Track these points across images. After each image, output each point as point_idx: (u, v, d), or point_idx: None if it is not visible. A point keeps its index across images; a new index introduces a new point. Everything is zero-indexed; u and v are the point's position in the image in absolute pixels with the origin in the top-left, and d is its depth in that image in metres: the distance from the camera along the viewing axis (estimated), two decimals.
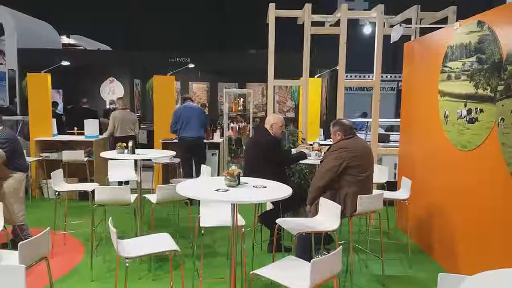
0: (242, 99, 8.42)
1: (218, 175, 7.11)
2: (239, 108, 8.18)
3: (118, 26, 17.97)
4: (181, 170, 6.50)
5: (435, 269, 4.17)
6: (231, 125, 8.14)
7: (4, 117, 4.68)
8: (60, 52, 11.17)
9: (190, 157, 6.56)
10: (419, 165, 4.92)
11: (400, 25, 4.60)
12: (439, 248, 4.38)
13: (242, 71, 10.80)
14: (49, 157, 6.77)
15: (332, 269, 2.55)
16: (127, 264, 2.85)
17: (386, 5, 5.51)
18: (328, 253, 3.95)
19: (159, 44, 15.13)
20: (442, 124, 4.26)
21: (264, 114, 10.81)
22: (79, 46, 13.91)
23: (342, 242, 3.84)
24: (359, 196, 3.72)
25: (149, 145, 8.06)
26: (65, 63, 7.63)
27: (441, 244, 4.32)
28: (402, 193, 4.66)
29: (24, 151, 4.78)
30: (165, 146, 6.89)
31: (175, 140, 6.78)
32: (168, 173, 6.93)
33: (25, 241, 2.52)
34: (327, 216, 3.53)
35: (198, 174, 6.30)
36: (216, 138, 7.51)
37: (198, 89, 11.96)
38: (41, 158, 6.75)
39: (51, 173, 4.70)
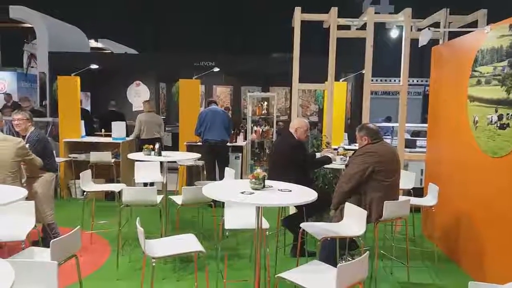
0: (266, 103, 8.44)
1: (241, 178, 7.14)
2: (263, 111, 8.20)
3: (145, 30, 18.31)
4: (204, 172, 6.57)
5: (462, 278, 4.07)
6: (255, 128, 8.17)
7: (34, 119, 4.83)
8: (88, 55, 11.44)
9: (214, 159, 6.63)
10: (447, 171, 4.82)
11: (429, 29, 4.53)
12: (467, 256, 4.28)
13: (265, 75, 10.83)
14: (77, 158, 6.94)
15: (358, 274, 2.52)
16: (153, 264, 2.90)
17: (413, 9, 5.44)
18: (353, 259, 3.92)
19: (184, 48, 15.34)
20: (471, 129, 4.17)
21: (287, 117, 10.80)
22: (106, 50, 14.23)
23: (367, 248, 3.79)
24: (385, 202, 3.67)
25: (174, 147, 8.15)
26: (93, 66, 7.81)
27: (469, 253, 4.22)
28: (429, 200, 4.58)
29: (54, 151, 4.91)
30: (190, 148, 6.96)
31: (199, 143, 6.86)
32: (192, 175, 7.00)
33: (57, 238, 2.60)
34: (352, 221, 3.50)
35: (221, 176, 6.36)
36: (240, 141, 7.55)
37: (222, 93, 12.04)
38: (69, 158, 6.93)
39: (80, 174, 4.83)
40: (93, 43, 13.27)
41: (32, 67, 13.07)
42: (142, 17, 18.34)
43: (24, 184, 4.24)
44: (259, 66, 10.48)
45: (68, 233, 2.70)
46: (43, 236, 4.34)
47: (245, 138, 7.90)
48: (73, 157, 6.95)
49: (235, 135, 7.42)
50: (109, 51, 14.22)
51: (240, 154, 7.40)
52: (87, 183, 4.89)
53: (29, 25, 10.76)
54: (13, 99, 10.52)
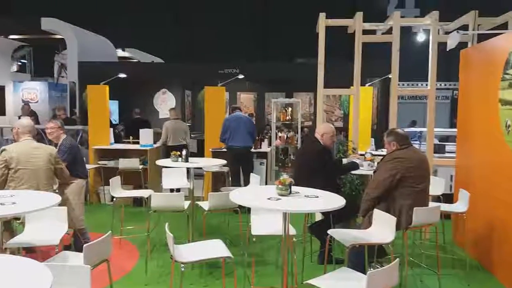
0: (290, 109, 8.44)
1: (266, 184, 7.15)
2: (287, 117, 8.20)
3: (171, 39, 18.65)
4: (229, 178, 6.61)
5: (495, 287, 3.95)
6: (279, 134, 8.18)
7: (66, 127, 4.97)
8: (116, 65, 11.73)
9: (238, 166, 6.66)
10: (478, 176, 4.69)
11: (457, 32, 4.46)
12: (501, 265, 4.14)
13: (289, 81, 10.85)
14: (106, 164, 7.10)
15: (388, 282, 2.48)
16: (182, 269, 2.93)
17: (440, 11, 5.36)
18: (381, 266, 3.85)
19: (209, 56, 15.54)
20: (503, 134, 4.05)
21: (311, 123, 10.77)
22: (133, 59, 14.55)
23: (396, 255, 3.72)
24: (414, 208, 3.61)
25: (199, 154, 8.25)
26: (122, 75, 8.00)
27: (504, 261, 4.08)
28: (459, 206, 4.47)
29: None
30: (215, 155, 7.02)
31: (224, 149, 6.91)
32: (217, 181, 7.04)
33: (89, 243, 2.66)
34: (381, 228, 3.45)
35: (245, 182, 6.38)
36: (264, 147, 7.56)
37: (246, 99, 12.12)
38: (98, 165, 7.09)
39: (110, 180, 4.93)
40: (120, 53, 13.59)
41: (62, 76, 13.48)
42: (167, 26, 18.69)
43: (56, 191, 4.36)
44: (283, 72, 10.51)
45: (100, 238, 2.76)
46: (73, 241, 4.45)
47: (269, 144, 7.91)
48: (102, 164, 7.11)
49: (260, 141, 7.44)
50: (136, 60, 14.53)
51: (264, 160, 7.41)
52: (117, 189, 4.99)
53: (60, 36, 11.12)
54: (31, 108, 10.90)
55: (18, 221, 3.88)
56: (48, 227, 3.51)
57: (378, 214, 3.54)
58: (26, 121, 4.31)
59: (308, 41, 7.95)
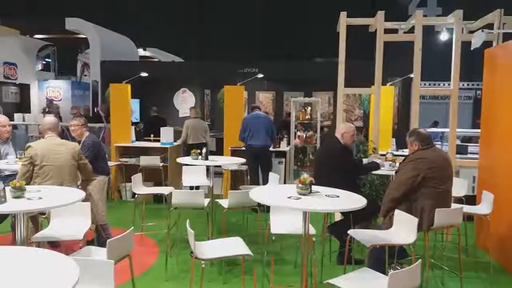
0: (309, 108, 8.41)
1: (284, 183, 7.14)
2: (307, 117, 8.18)
3: (191, 39, 18.80)
4: (248, 177, 6.64)
5: None
6: (298, 133, 8.16)
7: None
8: (137, 64, 11.89)
9: (257, 164, 6.67)
10: (502, 178, 4.59)
11: (482, 31, 4.37)
12: None
13: (308, 80, 10.79)
14: (127, 162, 7.22)
15: (410, 283, 2.46)
16: (203, 266, 2.96)
17: (463, 10, 5.26)
18: (402, 267, 3.81)
19: (228, 55, 15.59)
20: None
21: (330, 123, 10.70)
22: (154, 58, 14.72)
23: (417, 257, 3.68)
24: (437, 209, 3.56)
25: (218, 152, 8.30)
26: (143, 74, 8.11)
27: None
28: (483, 208, 4.38)
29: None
30: (234, 153, 7.06)
31: (243, 148, 6.93)
32: (236, 180, 7.08)
33: (113, 238, 2.71)
34: (402, 229, 3.41)
35: (264, 181, 6.40)
36: (283, 146, 7.55)
37: (264, 98, 12.12)
38: (120, 162, 7.21)
39: (132, 177, 5.02)
40: (141, 52, 13.77)
41: (85, 75, 13.75)
42: (188, 26, 18.85)
43: (79, 187, 4.46)
44: (302, 71, 10.48)
45: (122, 234, 2.81)
46: (96, 236, 4.54)
47: (288, 144, 7.90)
48: (124, 161, 7.23)
49: (279, 140, 7.43)
50: (157, 60, 14.70)
51: (283, 159, 7.40)
52: (138, 186, 5.07)
53: (83, 36, 11.34)
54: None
55: (43, 216, 3.99)
56: (72, 222, 3.59)
57: (399, 215, 3.50)
58: (50, 118, 4.42)
59: (328, 40, 7.90)
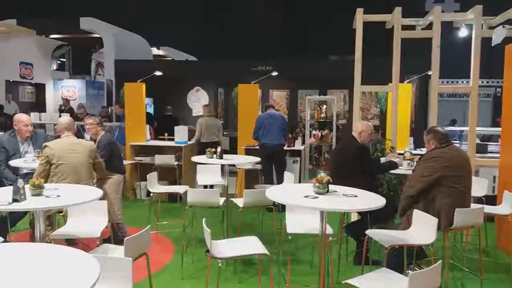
0: (324, 106, 8.34)
1: (299, 182, 7.10)
2: (322, 115, 8.11)
3: (204, 37, 18.84)
4: (262, 176, 6.61)
5: None
6: (313, 132, 8.09)
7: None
8: (151, 63, 11.95)
9: (271, 163, 6.64)
10: None
11: (503, 27, 4.27)
12: None
13: (323, 78, 10.71)
14: (142, 160, 7.25)
15: (430, 284, 2.41)
16: (219, 264, 2.95)
17: (483, 6, 5.14)
18: (420, 268, 3.74)
19: (242, 53, 15.59)
20: None
21: (345, 121, 10.60)
22: (168, 57, 14.78)
23: (436, 257, 3.62)
24: (456, 209, 3.49)
25: (231, 151, 8.29)
26: (158, 73, 8.13)
27: None
28: (504, 208, 4.29)
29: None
30: (248, 152, 7.03)
31: (256, 147, 6.91)
32: (250, 179, 7.05)
33: (130, 236, 2.71)
34: (421, 229, 3.35)
35: (278, 180, 6.36)
36: (298, 145, 7.50)
37: (278, 97, 12.08)
38: (135, 161, 7.25)
39: (147, 175, 5.03)
40: (155, 51, 13.83)
41: (99, 74, 13.87)
42: (201, 24, 18.89)
43: (95, 185, 4.48)
44: (317, 69, 10.40)
45: (139, 232, 2.81)
46: (113, 234, 4.56)
47: (303, 142, 7.85)
48: (139, 160, 7.26)
49: (293, 139, 7.39)
50: (170, 58, 14.75)
51: (298, 159, 7.35)
52: (153, 185, 5.08)
53: (97, 35, 11.43)
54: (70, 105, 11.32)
55: (60, 214, 4.02)
56: (89, 220, 3.61)
57: (418, 215, 3.44)
58: (66, 118, 4.46)
59: (343, 37, 7.82)
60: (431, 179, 3.54)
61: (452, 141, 3.97)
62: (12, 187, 2.98)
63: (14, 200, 2.89)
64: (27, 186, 3.07)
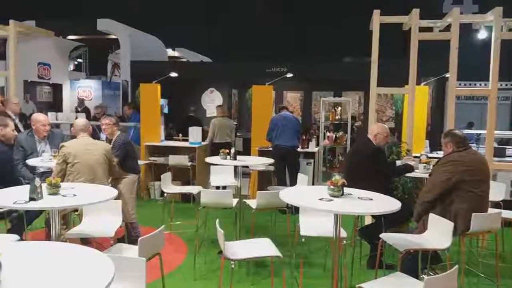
0: (339, 108, 8.29)
1: (313, 184, 7.06)
2: (337, 117, 8.06)
3: (219, 38, 18.92)
4: (275, 178, 6.59)
5: None
6: (327, 134, 8.04)
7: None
8: (166, 64, 12.02)
9: (284, 165, 6.63)
10: None
11: None
12: None
13: (337, 80, 10.64)
14: (156, 161, 7.30)
15: None
16: (232, 266, 2.94)
17: (503, 8, 5.05)
18: (435, 273, 3.69)
19: (256, 55, 15.59)
20: None
21: (360, 123, 10.51)
22: (182, 59, 14.85)
23: (451, 262, 3.55)
24: (473, 214, 3.43)
25: (245, 152, 8.29)
26: (173, 74, 8.18)
27: None
28: None
29: None
30: (261, 153, 7.02)
31: (270, 148, 6.90)
32: (263, 180, 7.04)
33: (144, 236, 2.73)
34: (437, 233, 3.30)
35: (291, 182, 6.34)
36: (312, 147, 7.47)
37: (292, 98, 12.04)
38: (149, 161, 7.30)
39: (161, 176, 5.06)
40: (170, 52, 13.91)
41: (115, 75, 14.00)
42: (216, 26, 18.96)
43: (110, 185, 4.53)
44: (331, 71, 10.33)
45: (154, 232, 2.82)
46: (125, 233, 4.60)
47: (317, 144, 7.81)
48: (153, 160, 7.31)
49: (307, 141, 7.36)
50: (185, 60, 14.83)
51: (312, 161, 7.32)
52: (168, 185, 5.11)
53: (114, 36, 11.55)
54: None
55: (76, 213, 4.07)
56: (104, 220, 3.64)
57: (434, 219, 3.39)
58: (81, 120, 4.53)
59: (358, 39, 7.76)
60: (449, 183, 3.48)
61: (470, 144, 3.91)
62: (29, 185, 3.02)
63: (31, 199, 2.93)
64: (43, 185, 3.11)
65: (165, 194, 5.16)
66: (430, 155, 5.52)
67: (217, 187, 6.17)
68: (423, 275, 3.51)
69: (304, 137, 7.27)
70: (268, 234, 4.89)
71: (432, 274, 3.65)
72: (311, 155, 7.34)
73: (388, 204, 2.95)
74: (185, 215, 5.95)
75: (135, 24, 11.99)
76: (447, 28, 5.35)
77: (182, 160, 6.76)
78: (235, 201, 4.48)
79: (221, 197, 4.36)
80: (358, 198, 3.09)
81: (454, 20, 5.04)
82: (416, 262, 3.39)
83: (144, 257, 2.49)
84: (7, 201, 2.96)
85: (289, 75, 9.05)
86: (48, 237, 4.35)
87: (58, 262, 2.02)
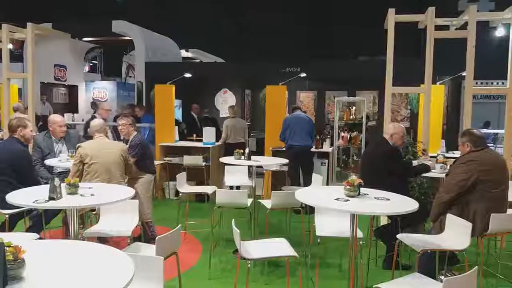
0: (354, 108, 8.23)
1: (327, 184, 7.04)
2: (351, 116, 8.01)
3: (232, 39, 18.96)
4: (289, 178, 6.59)
5: None
6: (342, 134, 8.00)
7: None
8: (180, 65, 12.09)
9: (297, 165, 6.62)
10: None
11: None
12: None
13: (351, 79, 10.56)
14: (171, 161, 7.36)
15: None
16: (249, 265, 2.95)
17: None
18: (452, 274, 3.64)
19: (269, 55, 15.58)
20: None
21: (375, 123, 10.42)
22: (196, 59, 14.92)
23: (469, 263, 3.51)
24: (492, 214, 3.38)
25: (258, 152, 8.30)
26: (187, 75, 8.23)
27: None
28: None
29: None
30: (275, 154, 7.03)
31: (283, 149, 6.89)
32: (276, 180, 7.04)
33: (162, 235, 2.75)
34: (455, 234, 3.27)
35: (305, 182, 6.32)
36: (326, 147, 7.44)
37: (305, 98, 12.00)
38: (164, 161, 7.36)
39: (177, 176, 5.10)
40: (184, 53, 13.99)
41: (130, 76, 14.14)
42: (228, 26, 19.01)
43: (126, 185, 4.57)
44: (345, 70, 10.27)
45: (171, 231, 2.84)
46: (142, 233, 4.64)
47: (331, 144, 7.77)
48: (168, 160, 7.37)
49: (321, 141, 7.33)
50: (199, 60, 14.90)
51: (326, 161, 7.29)
52: (183, 185, 5.15)
53: (129, 38, 11.67)
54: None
55: (93, 213, 4.12)
56: (121, 219, 3.69)
57: (451, 219, 3.35)
58: (98, 121, 4.60)
59: (371, 38, 7.71)
60: (467, 183, 3.44)
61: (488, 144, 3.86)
62: (47, 185, 3.07)
63: (51, 198, 2.98)
64: (62, 185, 3.16)
65: (180, 194, 5.19)
66: (446, 155, 5.46)
67: (231, 187, 6.19)
68: (441, 276, 3.48)
69: (319, 137, 7.25)
70: (282, 234, 4.89)
71: (449, 275, 3.61)
72: (325, 155, 7.31)
73: (406, 205, 2.92)
74: (199, 214, 5.98)
75: (149, 26, 12.09)
76: (463, 26, 5.28)
77: (196, 160, 6.81)
78: (249, 201, 4.49)
79: (237, 197, 4.38)
80: (375, 198, 3.07)
81: (471, 18, 4.97)
82: (434, 263, 3.36)
83: (161, 256, 2.52)
84: (27, 200, 3.02)
85: (302, 75, 9.03)
86: (65, 236, 4.42)
87: (79, 260, 2.05)
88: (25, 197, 3.08)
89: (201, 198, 6.63)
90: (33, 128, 4.61)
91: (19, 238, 2.29)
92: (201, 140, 7.46)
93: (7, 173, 3.98)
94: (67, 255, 2.11)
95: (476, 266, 2.46)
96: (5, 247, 1.70)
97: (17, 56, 11.56)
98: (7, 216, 3.86)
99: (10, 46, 6.78)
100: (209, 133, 7.36)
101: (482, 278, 3.72)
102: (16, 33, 6.69)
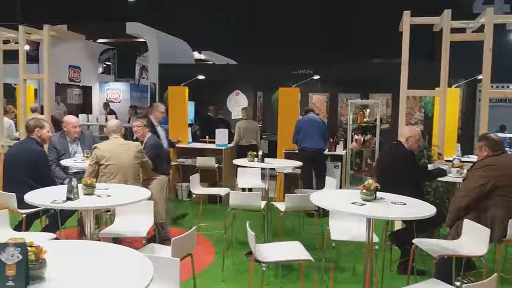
0: (368, 110, 8.18)
1: (340, 188, 6.99)
2: (365, 119, 7.95)
3: (244, 41, 19.00)
4: (301, 180, 6.56)
5: None
6: (355, 137, 7.95)
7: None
8: (193, 66, 12.15)
9: (310, 167, 6.59)
10: None
11: None
12: None
13: (365, 81, 10.51)
14: (184, 162, 7.39)
15: None
16: (263, 268, 2.94)
17: None
18: (470, 280, 3.60)
19: (282, 57, 15.58)
20: None
21: (388, 126, 10.34)
22: (209, 61, 14.98)
23: (487, 270, 3.46)
24: (510, 220, 3.33)
25: (270, 155, 8.29)
26: (200, 77, 8.27)
27: None
28: None
29: None
30: (288, 156, 7.00)
31: (296, 151, 6.87)
32: (289, 183, 7.02)
33: (177, 237, 2.76)
34: (472, 239, 3.22)
35: (318, 185, 6.29)
36: (339, 150, 7.40)
37: (318, 100, 11.96)
38: (177, 163, 7.39)
39: (190, 177, 5.11)
40: (196, 55, 14.05)
41: (143, 78, 14.24)
42: (241, 28, 19.05)
43: (141, 185, 4.60)
44: (358, 72, 10.22)
45: (186, 233, 2.85)
46: (156, 233, 4.67)
47: (345, 147, 7.73)
48: (181, 162, 7.40)
49: (335, 143, 7.30)
50: (211, 62, 14.95)
51: (339, 164, 7.25)
52: (196, 186, 5.16)
53: (142, 40, 11.76)
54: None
55: (108, 213, 4.15)
56: (136, 220, 3.71)
57: (469, 225, 3.31)
58: (114, 121, 4.63)
59: (385, 40, 7.65)
60: (485, 188, 3.40)
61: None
62: (63, 185, 3.10)
63: (68, 199, 3.01)
64: (79, 186, 3.19)
65: (193, 195, 5.20)
66: (462, 159, 5.39)
67: (243, 189, 6.19)
68: (457, 282, 3.44)
69: (332, 140, 7.22)
70: (295, 237, 4.87)
71: (466, 281, 3.56)
72: (338, 158, 7.27)
73: (423, 209, 2.89)
74: (212, 216, 6.00)
75: (162, 28, 12.18)
76: (479, 28, 5.21)
77: (209, 161, 6.82)
78: (263, 204, 4.49)
79: (250, 199, 4.37)
80: (392, 202, 3.04)
81: (488, 20, 4.90)
82: (450, 269, 3.32)
83: (177, 258, 2.53)
84: (45, 200, 3.05)
85: (316, 77, 9.00)
86: (80, 236, 4.46)
87: (98, 260, 2.07)
88: (43, 197, 3.11)
89: (213, 199, 6.65)
90: (50, 129, 4.65)
91: (37, 238, 2.31)
92: (213, 142, 7.48)
93: (25, 173, 4.03)
94: (86, 255, 2.13)
95: (496, 273, 2.43)
96: (27, 247, 1.71)
97: (32, 57, 11.73)
98: (24, 215, 3.91)
99: (27, 47, 6.84)
100: (221, 135, 7.37)
101: (500, 285, 3.67)
102: (32, 34, 6.77)
